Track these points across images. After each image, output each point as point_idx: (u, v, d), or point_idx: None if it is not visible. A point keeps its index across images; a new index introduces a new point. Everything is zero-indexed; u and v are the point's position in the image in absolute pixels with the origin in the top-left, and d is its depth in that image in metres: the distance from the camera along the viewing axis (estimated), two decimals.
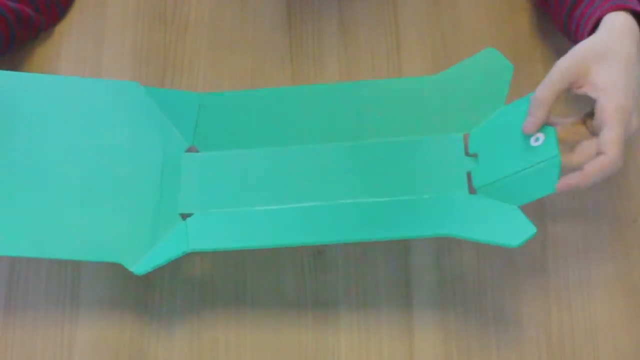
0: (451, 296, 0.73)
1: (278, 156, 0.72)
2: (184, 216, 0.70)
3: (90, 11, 0.84)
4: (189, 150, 0.73)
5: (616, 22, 0.66)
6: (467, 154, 0.71)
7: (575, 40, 0.71)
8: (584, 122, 0.67)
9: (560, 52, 0.82)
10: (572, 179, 0.63)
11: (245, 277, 0.74)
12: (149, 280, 0.73)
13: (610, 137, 0.61)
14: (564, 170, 0.64)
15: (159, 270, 0.73)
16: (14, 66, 0.81)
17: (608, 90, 0.62)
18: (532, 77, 0.82)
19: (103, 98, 0.73)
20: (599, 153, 0.62)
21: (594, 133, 0.65)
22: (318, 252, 0.75)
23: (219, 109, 0.74)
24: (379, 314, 0.72)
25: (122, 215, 0.69)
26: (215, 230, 0.68)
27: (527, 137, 0.66)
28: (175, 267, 0.74)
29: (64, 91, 0.74)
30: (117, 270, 0.73)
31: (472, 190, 0.69)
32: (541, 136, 0.66)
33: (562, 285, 0.73)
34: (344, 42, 0.83)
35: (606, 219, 0.76)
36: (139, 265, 0.67)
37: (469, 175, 0.70)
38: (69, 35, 0.83)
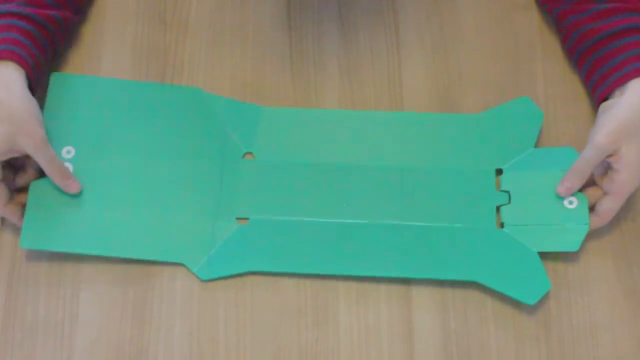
0: (451, 296, 0.73)
1: (328, 170, 0.76)
2: (240, 220, 0.74)
3: (90, 11, 0.84)
4: (246, 156, 0.77)
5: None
6: (498, 188, 0.75)
7: (586, 68, 0.78)
8: (601, 179, 0.73)
9: (560, 51, 0.83)
10: None
11: (245, 277, 0.74)
12: (148, 279, 0.73)
13: (611, 207, 0.71)
14: None
15: (159, 270, 0.73)
16: None
17: (630, 169, 0.70)
18: (532, 77, 0.82)
19: (166, 102, 0.78)
20: (595, 214, 0.73)
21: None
22: None
23: (276, 122, 0.78)
24: (379, 314, 0.72)
25: (185, 218, 0.74)
26: (271, 249, 0.73)
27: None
28: (175, 267, 0.74)
29: (128, 95, 0.78)
30: (117, 270, 0.73)
31: (499, 224, 0.75)
32: (575, 200, 0.73)
33: (562, 285, 0.73)
34: (344, 42, 0.83)
35: None
36: (203, 270, 0.72)
37: (497, 208, 0.75)
38: (69, 35, 0.82)
